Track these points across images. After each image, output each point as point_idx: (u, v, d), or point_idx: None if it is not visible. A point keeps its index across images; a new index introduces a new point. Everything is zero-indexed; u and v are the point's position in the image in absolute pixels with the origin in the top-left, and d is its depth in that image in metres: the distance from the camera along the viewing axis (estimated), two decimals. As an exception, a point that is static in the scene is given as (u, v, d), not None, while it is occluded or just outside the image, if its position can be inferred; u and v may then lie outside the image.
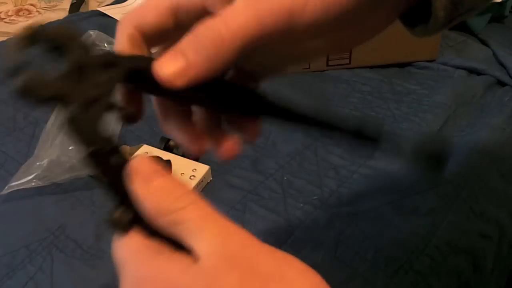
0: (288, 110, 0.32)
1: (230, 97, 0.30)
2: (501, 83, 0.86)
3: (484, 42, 0.95)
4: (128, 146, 0.72)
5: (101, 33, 0.88)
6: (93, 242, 0.60)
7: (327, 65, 0.89)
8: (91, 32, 0.87)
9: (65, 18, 1.15)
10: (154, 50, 0.30)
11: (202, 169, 0.66)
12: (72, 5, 1.73)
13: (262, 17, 0.24)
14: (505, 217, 0.63)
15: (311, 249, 0.58)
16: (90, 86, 0.25)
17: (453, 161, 0.69)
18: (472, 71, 0.88)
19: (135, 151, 0.70)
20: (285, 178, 0.67)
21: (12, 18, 1.78)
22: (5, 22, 1.76)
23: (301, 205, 0.63)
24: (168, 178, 0.25)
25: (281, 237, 0.60)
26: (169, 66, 0.24)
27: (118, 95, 0.29)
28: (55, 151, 0.66)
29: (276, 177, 0.68)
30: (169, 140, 0.70)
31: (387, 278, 0.55)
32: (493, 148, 0.71)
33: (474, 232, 0.61)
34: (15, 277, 0.56)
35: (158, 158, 0.66)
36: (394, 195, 0.64)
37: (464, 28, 0.97)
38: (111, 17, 1.08)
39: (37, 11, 1.81)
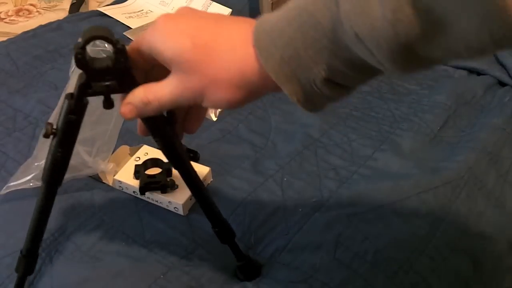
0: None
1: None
2: (501, 83, 0.86)
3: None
4: (128, 146, 0.72)
5: (101, 33, 0.88)
6: (93, 243, 0.60)
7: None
8: (91, 33, 0.87)
9: (65, 18, 1.15)
10: None
11: (202, 170, 0.66)
12: (72, 5, 1.73)
13: (177, 100, 0.39)
14: (504, 218, 0.63)
15: (310, 250, 0.58)
16: None
17: (452, 161, 0.69)
18: (472, 71, 0.88)
19: (135, 151, 0.70)
20: (285, 179, 0.67)
21: (12, 18, 1.78)
22: (5, 22, 1.75)
23: (300, 210, 0.63)
24: None
25: (281, 239, 0.60)
26: (124, 108, 0.42)
27: None
28: (54, 152, 0.66)
29: (276, 178, 0.68)
30: (169, 141, 0.70)
31: (387, 279, 0.55)
32: (493, 149, 0.71)
33: (473, 232, 0.61)
34: (16, 279, 0.56)
35: (160, 160, 0.66)
36: (394, 196, 0.64)
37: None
38: (111, 17, 1.08)
39: (37, 11, 1.81)
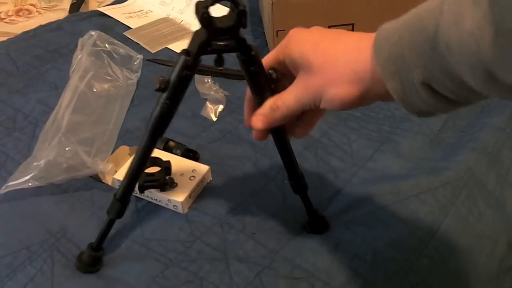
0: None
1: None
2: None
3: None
4: (128, 147, 0.72)
5: (102, 33, 0.88)
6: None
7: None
8: (93, 33, 0.87)
9: (65, 18, 1.15)
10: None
11: (201, 169, 0.66)
12: (72, 5, 1.73)
13: (301, 101, 0.46)
14: (504, 218, 0.63)
15: (311, 251, 0.58)
16: None
17: (452, 161, 0.69)
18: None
19: (135, 152, 0.69)
20: (286, 181, 0.67)
21: (12, 18, 1.77)
22: (5, 22, 1.75)
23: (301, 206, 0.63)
24: None
25: (282, 240, 0.60)
26: (255, 119, 0.50)
27: None
28: (52, 152, 0.65)
29: (276, 179, 0.68)
30: (168, 140, 0.70)
31: (387, 279, 0.55)
32: (493, 149, 0.71)
33: (473, 232, 0.61)
34: (15, 278, 0.56)
35: (159, 158, 0.66)
36: (393, 196, 0.64)
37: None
38: (111, 17, 1.08)
39: (37, 11, 1.81)
